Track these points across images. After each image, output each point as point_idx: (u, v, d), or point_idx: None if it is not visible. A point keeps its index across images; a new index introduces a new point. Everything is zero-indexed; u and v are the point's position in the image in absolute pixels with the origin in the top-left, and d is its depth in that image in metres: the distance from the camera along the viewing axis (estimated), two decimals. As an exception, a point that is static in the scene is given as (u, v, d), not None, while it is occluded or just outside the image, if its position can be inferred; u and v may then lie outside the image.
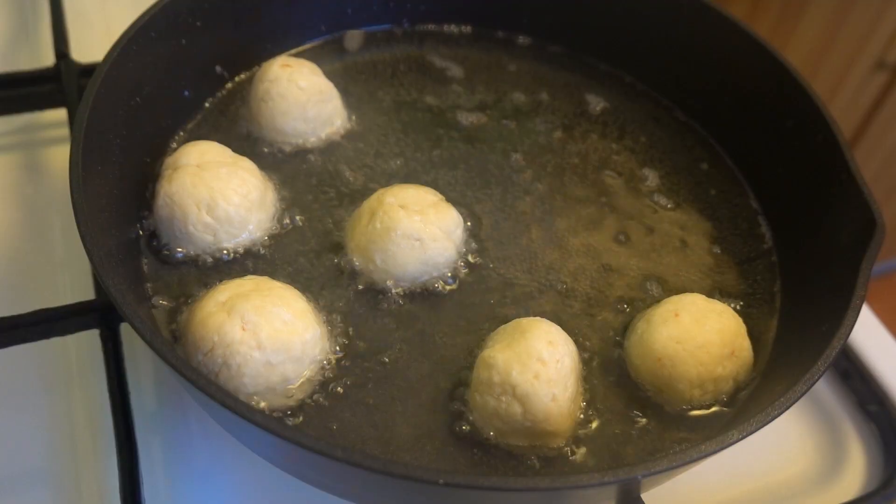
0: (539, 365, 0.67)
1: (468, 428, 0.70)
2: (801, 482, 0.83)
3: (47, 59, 1.03)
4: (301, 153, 0.90)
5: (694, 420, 0.73)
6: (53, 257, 0.90)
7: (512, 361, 0.68)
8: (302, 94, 0.88)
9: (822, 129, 0.84)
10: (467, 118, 0.98)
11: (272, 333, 0.68)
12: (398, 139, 0.94)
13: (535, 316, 0.74)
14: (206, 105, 0.93)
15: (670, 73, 1.02)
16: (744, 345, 0.75)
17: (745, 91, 0.95)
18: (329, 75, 0.96)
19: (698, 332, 0.73)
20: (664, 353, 0.73)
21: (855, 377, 0.90)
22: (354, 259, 0.79)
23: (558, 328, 0.72)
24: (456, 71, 1.04)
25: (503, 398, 0.68)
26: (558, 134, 0.98)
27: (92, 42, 1.03)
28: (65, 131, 0.98)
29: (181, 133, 0.90)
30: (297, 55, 1.00)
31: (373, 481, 0.60)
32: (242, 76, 0.96)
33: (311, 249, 0.81)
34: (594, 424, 0.72)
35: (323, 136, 0.92)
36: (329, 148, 0.91)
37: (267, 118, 0.89)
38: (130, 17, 0.81)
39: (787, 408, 0.63)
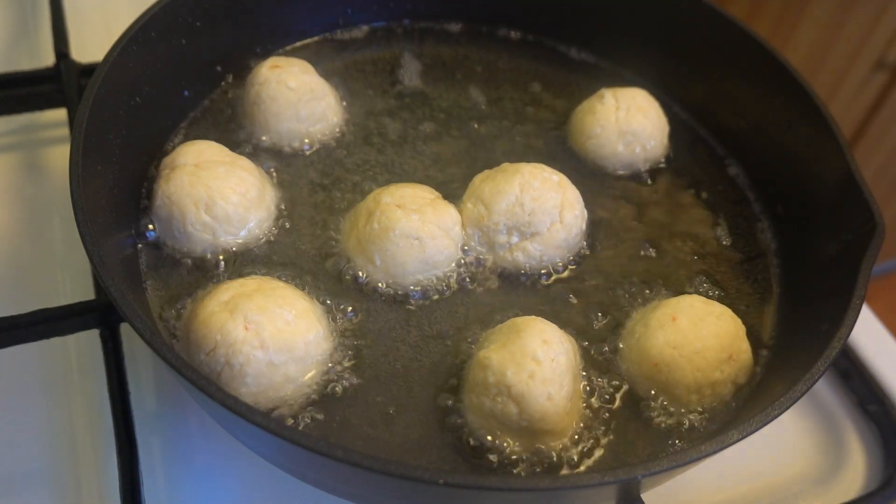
0: (534, 364, 0.67)
1: (467, 428, 0.70)
2: (801, 482, 0.83)
3: (47, 59, 1.03)
4: (298, 152, 0.90)
5: (693, 421, 0.73)
6: (53, 257, 0.90)
7: (506, 361, 0.68)
8: (293, 95, 0.88)
9: (822, 129, 0.85)
10: (466, 116, 0.98)
11: (275, 333, 0.68)
12: (397, 137, 0.94)
13: (534, 315, 0.74)
14: (206, 104, 0.93)
15: (670, 72, 1.02)
16: (742, 347, 0.75)
17: (745, 91, 0.95)
18: (328, 73, 0.96)
19: (695, 337, 0.72)
20: (661, 358, 0.73)
21: (855, 377, 0.90)
22: (354, 259, 0.79)
23: (554, 326, 0.72)
24: (455, 69, 1.04)
25: (498, 399, 0.67)
26: (557, 132, 0.98)
27: (92, 42, 1.03)
28: (65, 131, 0.98)
29: (181, 133, 0.90)
30: (297, 53, 1.00)
31: (373, 481, 0.60)
32: (242, 75, 0.96)
33: (310, 249, 0.81)
34: (594, 424, 0.72)
35: (319, 134, 0.92)
36: (326, 146, 0.92)
37: (260, 121, 0.89)
38: (130, 17, 0.81)
39: (787, 408, 0.63)
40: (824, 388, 0.91)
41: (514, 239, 0.81)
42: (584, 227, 0.85)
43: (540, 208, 0.80)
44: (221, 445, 0.77)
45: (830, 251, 0.80)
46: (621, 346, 0.77)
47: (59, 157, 1.00)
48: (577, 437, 0.71)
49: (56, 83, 0.98)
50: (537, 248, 0.81)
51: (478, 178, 0.84)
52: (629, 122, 0.92)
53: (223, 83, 0.96)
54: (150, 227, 0.79)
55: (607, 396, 0.74)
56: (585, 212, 0.85)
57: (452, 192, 0.85)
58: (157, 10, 0.83)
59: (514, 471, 0.68)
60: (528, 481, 0.60)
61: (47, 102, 1.00)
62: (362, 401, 0.72)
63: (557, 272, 0.83)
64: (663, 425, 0.73)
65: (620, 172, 0.94)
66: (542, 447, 0.69)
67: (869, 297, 0.73)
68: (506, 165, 0.83)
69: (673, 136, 0.98)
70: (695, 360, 0.72)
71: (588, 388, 0.74)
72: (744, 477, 0.83)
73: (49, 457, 0.76)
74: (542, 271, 0.82)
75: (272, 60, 0.91)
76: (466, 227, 0.81)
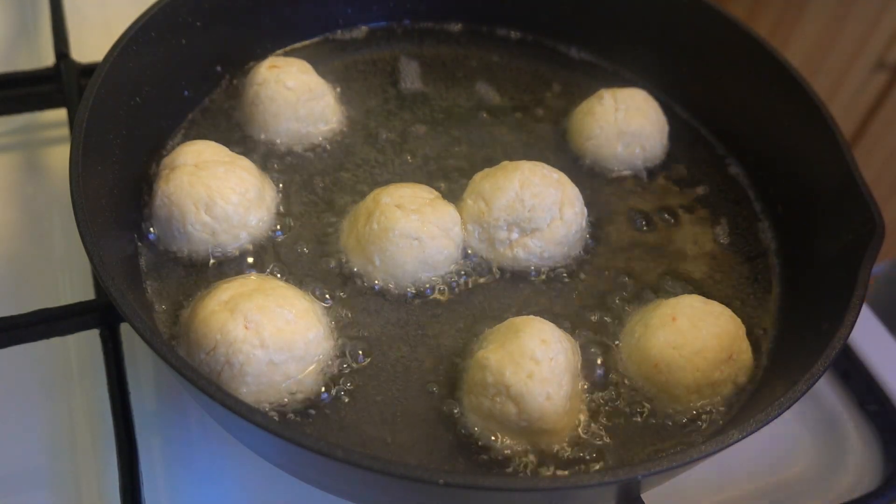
0: (532, 364, 0.67)
1: (467, 428, 0.70)
2: (801, 482, 0.83)
3: (47, 59, 1.03)
4: (297, 152, 0.90)
5: (693, 421, 0.73)
6: (53, 257, 0.90)
7: (505, 361, 0.68)
8: (291, 95, 0.88)
9: (822, 129, 0.85)
10: (466, 116, 0.98)
11: (275, 332, 0.68)
12: (396, 136, 0.94)
13: (534, 314, 0.74)
14: (206, 104, 0.93)
15: (670, 72, 1.02)
16: (742, 347, 0.75)
17: (746, 91, 0.95)
18: (328, 73, 0.96)
19: (695, 337, 0.72)
20: (661, 358, 0.73)
21: (855, 377, 0.90)
22: (353, 259, 0.79)
23: (552, 326, 0.72)
24: (455, 69, 1.04)
25: (497, 399, 0.67)
26: (557, 133, 0.98)
27: (92, 42, 1.03)
28: (65, 131, 0.98)
29: (181, 133, 0.90)
30: (297, 53, 1.00)
31: (373, 481, 0.60)
32: (242, 75, 0.96)
33: (310, 249, 0.81)
34: (593, 424, 0.72)
35: (318, 133, 0.92)
36: (326, 146, 0.92)
37: (259, 121, 0.89)
38: (130, 17, 0.81)
39: (787, 408, 0.63)
40: (824, 388, 0.91)
41: (515, 235, 0.81)
42: (583, 224, 0.85)
43: (540, 204, 0.80)
44: (221, 445, 0.77)
45: (830, 251, 0.80)
46: (621, 345, 0.77)
47: (59, 157, 1.00)
48: (576, 436, 0.71)
49: (56, 83, 0.98)
50: (537, 245, 0.81)
51: (478, 176, 0.84)
52: (628, 122, 0.92)
53: (223, 83, 0.96)
54: (150, 227, 0.79)
55: (607, 396, 0.74)
56: (585, 209, 0.85)
57: (452, 191, 0.85)
58: (157, 10, 0.83)
59: (514, 471, 0.68)
60: (528, 481, 0.60)
61: (47, 102, 1.00)
62: (362, 400, 0.72)
63: (557, 271, 0.83)
64: (663, 425, 0.73)
65: (620, 172, 0.94)
66: (542, 447, 0.69)
67: (869, 297, 0.73)
68: (505, 163, 0.83)
69: (673, 135, 0.97)
70: (695, 361, 0.72)
71: (587, 388, 0.74)
72: (744, 477, 0.83)
73: (49, 457, 0.76)
74: (542, 269, 0.82)
75: (271, 60, 0.91)
76: (467, 223, 0.81)
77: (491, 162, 0.87)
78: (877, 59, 2.01)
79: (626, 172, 0.94)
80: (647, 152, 0.94)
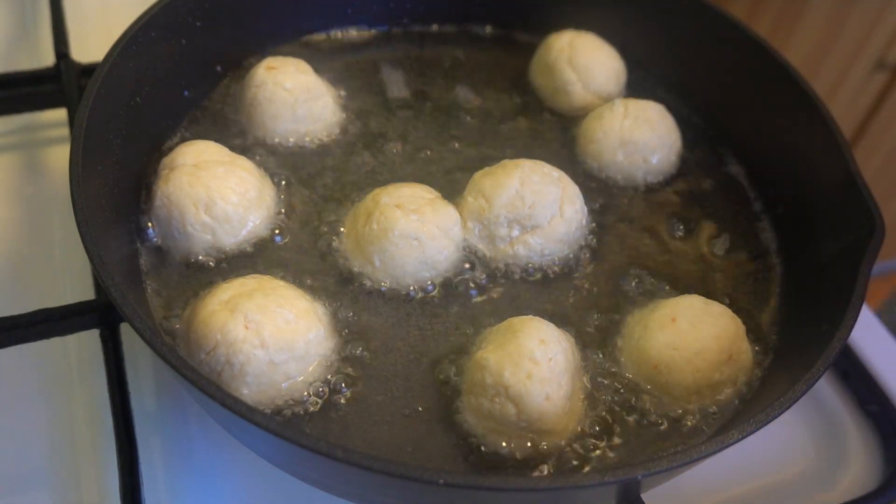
0: (531, 364, 0.67)
1: (466, 428, 0.70)
2: (801, 482, 0.83)
3: (47, 59, 1.03)
4: (297, 152, 0.90)
5: (694, 422, 0.73)
6: (53, 257, 0.90)
7: (504, 362, 0.67)
8: (289, 96, 0.88)
9: (822, 129, 0.85)
10: (466, 115, 0.98)
11: (275, 332, 0.68)
12: (395, 136, 0.94)
13: (534, 313, 0.74)
14: (206, 104, 0.93)
15: (670, 72, 1.02)
16: (742, 347, 0.75)
17: (745, 91, 0.95)
18: (327, 73, 0.96)
19: (695, 339, 0.72)
20: (660, 360, 0.73)
21: (855, 377, 0.90)
22: (353, 260, 0.79)
23: (551, 326, 0.72)
24: (455, 69, 1.04)
25: (496, 399, 0.67)
26: (557, 132, 0.98)
27: (92, 42, 1.03)
28: (65, 131, 0.98)
29: (181, 133, 0.90)
30: (297, 54, 1.00)
31: (373, 481, 0.60)
32: (242, 75, 0.96)
33: (310, 249, 0.81)
34: (593, 424, 0.72)
35: (317, 134, 0.92)
36: (325, 146, 0.92)
37: (258, 123, 0.89)
38: (130, 17, 0.81)
39: (787, 408, 0.63)
40: (824, 388, 0.91)
41: (515, 232, 0.81)
42: (584, 223, 0.85)
43: (540, 202, 0.80)
44: (221, 445, 0.77)
45: (830, 251, 0.80)
46: (621, 346, 0.77)
47: (59, 157, 1.00)
48: (576, 436, 0.71)
49: (56, 83, 0.98)
50: (538, 242, 0.81)
51: (478, 174, 0.84)
52: (633, 131, 0.91)
53: (223, 83, 0.96)
54: (150, 227, 0.79)
55: (606, 396, 0.74)
56: (585, 208, 0.85)
57: (452, 191, 0.85)
58: (157, 10, 0.83)
59: (514, 471, 0.68)
60: (528, 481, 0.60)
61: (47, 102, 1.00)
62: (362, 400, 0.72)
63: (557, 270, 0.83)
64: (663, 426, 0.73)
65: (620, 179, 0.93)
66: (542, 447, 0.69)
67: (868, 297, 0.73)
68: (506, 161, 0.84)
69: (673, 136, 0.97)
70: (694, 362, 0.72)
71: (587, 388, 0.74)
72: (744, 477, 0.83)
73: (49, 457, 0.76)
74: (542, 268, 0.82)
75: (268, 61, 0.91)
76: (467, 221, 0.81)
77: (491, 161, 0.87)
78: (877, 59, 2.01)
79: (626, 180, 0.93)
80: (651, 165, 0.92)
